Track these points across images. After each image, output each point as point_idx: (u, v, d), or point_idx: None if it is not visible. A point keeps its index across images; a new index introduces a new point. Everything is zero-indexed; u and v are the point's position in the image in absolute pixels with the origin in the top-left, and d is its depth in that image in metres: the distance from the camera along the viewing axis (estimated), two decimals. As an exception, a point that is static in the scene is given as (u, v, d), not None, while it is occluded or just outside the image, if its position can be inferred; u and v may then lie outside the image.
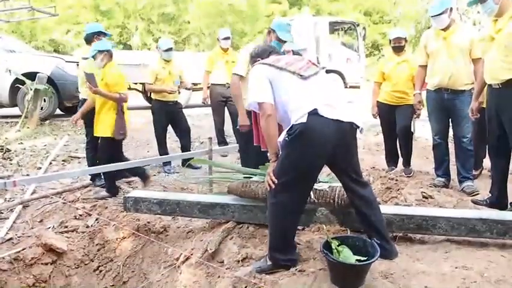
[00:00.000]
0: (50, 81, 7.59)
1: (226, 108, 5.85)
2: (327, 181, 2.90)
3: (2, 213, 3.92)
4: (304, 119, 2.20)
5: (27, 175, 4.87)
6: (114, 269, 3.37)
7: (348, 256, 2.15)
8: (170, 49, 5.07)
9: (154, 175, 5.01)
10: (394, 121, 4.41)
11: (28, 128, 7.14)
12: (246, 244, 2.78)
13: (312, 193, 2.70)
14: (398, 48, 4.37)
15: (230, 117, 5.76)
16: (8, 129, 7.17)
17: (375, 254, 2.14)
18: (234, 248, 2.75)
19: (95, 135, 4.20)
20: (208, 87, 5.91)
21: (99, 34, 4.43)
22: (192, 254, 2.89)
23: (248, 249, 2.69)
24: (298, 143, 2.22)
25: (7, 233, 3.53)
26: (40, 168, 5.11)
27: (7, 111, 8.30)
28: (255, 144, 2.89)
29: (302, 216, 2.48)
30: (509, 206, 3.21)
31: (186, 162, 4.86)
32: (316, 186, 2.73)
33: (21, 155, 5.65)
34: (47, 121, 7.67)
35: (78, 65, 5.20)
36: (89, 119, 4.30)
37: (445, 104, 3.74)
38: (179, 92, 5.25)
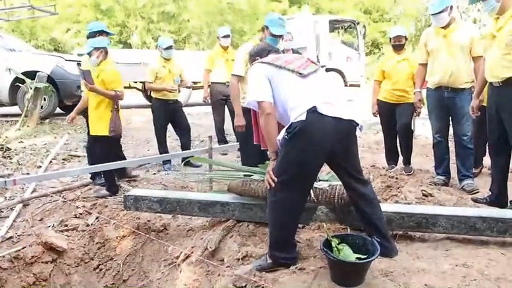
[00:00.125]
0: (50, 80, 7.58)
1: (226, 106, 5.85)
2: (326, 179, 2.89)
3: (2, 211, 3.92)
4: (303, 117, 2.19)
5: (28, 174, 4.88)
6: (114, 268, 3.38)
7: (348, 254, 2.16)
8: (170, 47, 5.06)
9: (155, 173, 5.02)
10: (394, 119, 4.41)
11: (28, 126, 7.13)
12: (246, 242, 2.78)
13: (311, 192, 2.70)
14: (398, 47, 4.37)
15: (230, 116, 5.75)
16: (8, 128, 7.16)
17: (375, 252, 2.14)
18: (234, 246, 2.75)
19: (91, 134, 4.20)
20: (208, 86, 5.92)
21: (102, 33, 4.42)
22: (192, 252, 2.90)
23: (248, 248, 2.69)
24: (298, 141, 2.21)
25: (7, 232, 3.52)
26: (40, 166, 5.11)
27: (7, 110, 8.31)
28: (254, 142, 2.89)
29: (302, 214, 2.48)
30: (509, 204, 3.22)
31: (186, 161, 4.87)
32: (316, 184, 2.73)
33: (21, 154, 5.65)
34: (47, 120, 7.67)
35: (78, 64, 5.19)
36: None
37: (445, 102, 3.74)
38: (179, 91, 5.25)
